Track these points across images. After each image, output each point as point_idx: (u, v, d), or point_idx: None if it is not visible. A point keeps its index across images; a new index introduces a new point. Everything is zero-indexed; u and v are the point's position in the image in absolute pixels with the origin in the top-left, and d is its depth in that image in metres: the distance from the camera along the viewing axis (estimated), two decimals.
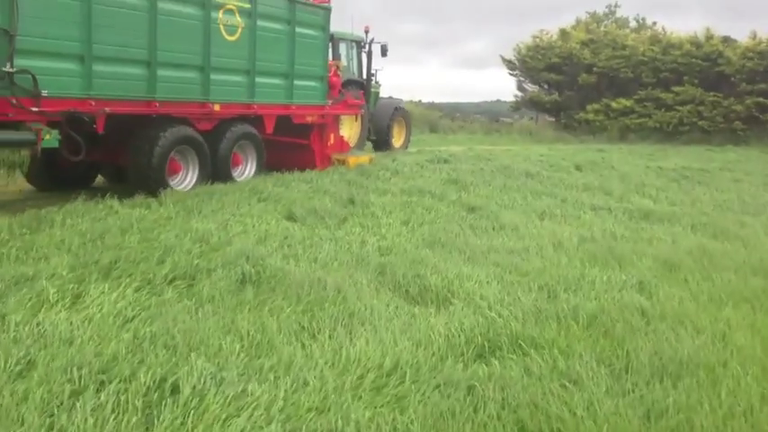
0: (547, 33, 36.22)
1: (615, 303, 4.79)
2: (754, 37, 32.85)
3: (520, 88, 37.41)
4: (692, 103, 32.38)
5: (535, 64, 35.22)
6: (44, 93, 7.33)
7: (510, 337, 4.09)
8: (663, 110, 32.87)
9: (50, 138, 7.37)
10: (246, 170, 10.72)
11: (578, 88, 34.73)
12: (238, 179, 10.19)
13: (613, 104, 33.53)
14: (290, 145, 11.86)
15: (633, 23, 46.29)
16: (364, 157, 13.46)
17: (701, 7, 78.89)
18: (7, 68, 6.98)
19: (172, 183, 9.06)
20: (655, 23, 43.72)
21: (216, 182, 9.38)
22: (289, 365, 3.49)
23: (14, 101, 7.09)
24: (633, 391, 3.47)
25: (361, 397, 3.29)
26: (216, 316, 4.15)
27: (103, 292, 4.50)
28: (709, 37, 33.02)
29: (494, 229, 7.41)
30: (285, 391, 3.19)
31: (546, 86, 36.49)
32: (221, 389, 3.12)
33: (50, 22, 7.44)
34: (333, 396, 3.21)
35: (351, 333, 4.05)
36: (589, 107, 34.16)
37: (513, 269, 5.68)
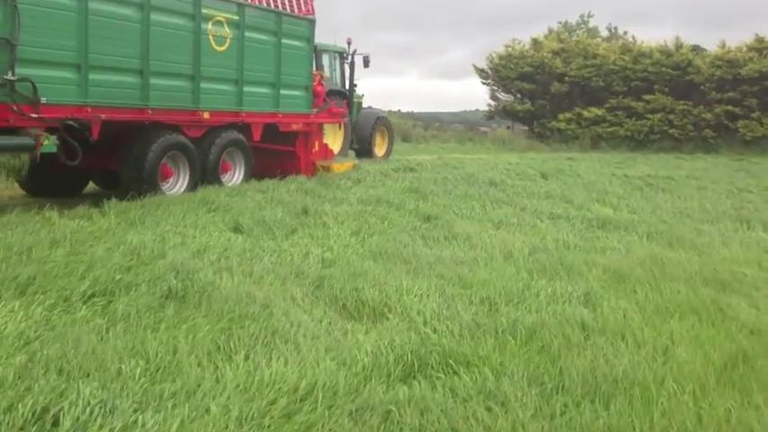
0: (519, 43, 36.39)
1: (557, 317, 4.59)
2: (723, 45, 33.25)
3: (493, 97, 37.52)
4: (662, 112, 32.64)
5: (508, 73, 35.31)
6: (43, 100, 7.70)
7: (441, 354, 3.85)
8: (634, 118, 33.09)
9: (49, 143, 7.79)
10: (235, 176, 11.03)
11: (550, 97, 34.87)
12: (227, 184, 10.45)
13: (585, 113, 33.71)
14: (277, 152, 12.18)
15: (605, 33, 46.74)
16: (348, 163, 13.79)
17: (674, 17, 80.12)
18: (9, 76, 7.38)
19: (164, 187, 9.44)
20: (626, 33, 44.18)
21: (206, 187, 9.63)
22: (193, 391, 3.22)
23: (15, 107, 7.45)
24: (562, 414, 3.26)
25: (268, 426, 3.04)
26: (127, 335, 3.88)
27: (12, 311, 4.21)
28: (679, 46, 33.34)
29: (446, 238, 7.20)
30: (182, 420, 2.93)
31: (519, 95, 36.58)
32: (109, 420, 2.86)
33: (49, 32, 7.83)
34: (233, 425, 2.95)
35: (271, 353, 3.79)
36: (561, 116, 34.32)
37: (458, 281, 5.46)
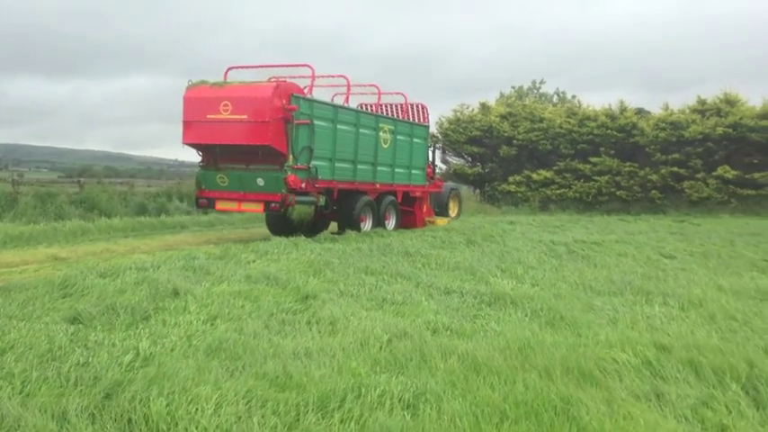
0: (467, 107, 36.70)
1: (365, 428, 3.92)
2: (666, 108, 33.86)
3: (443, 161, 37.44)
4: (609, 174, 32.85)
5: (457, 137, 35.40)
6: (320, 177, 14.39)
7: None
8: (582, 180, 33.24)
9: (321, 201, 14.66)
10: (391, 223, 17.55)
11: (500, 160, 34.97)
12: (388, 228, 17.05)
13: (534, 176, 33.81)
14: (404, 211, 18.41)
15: (555, 98, 47.60)
16: (445, 219, 20.75)
17: (625, 83, 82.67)
18: (311, 165, 14.04)
19: (362, 226, 15.86)
20: (574, 97, 45.01)
21: (378, 228, 16.25)
22: None
23: (311, 181, 14.10)
24: None
25: None
26: None
27: None
28: (623, 109, 33.88)
29: (308, 323, 6.51)
30: None
31: (469, 159, 36.63)
32: None
33: (322, 142, 14.48)
34: None
35: None
36: (511, 179, 34.37)
37: (280, 382, 4.75)
